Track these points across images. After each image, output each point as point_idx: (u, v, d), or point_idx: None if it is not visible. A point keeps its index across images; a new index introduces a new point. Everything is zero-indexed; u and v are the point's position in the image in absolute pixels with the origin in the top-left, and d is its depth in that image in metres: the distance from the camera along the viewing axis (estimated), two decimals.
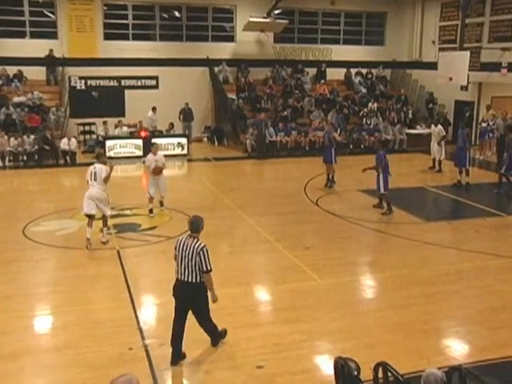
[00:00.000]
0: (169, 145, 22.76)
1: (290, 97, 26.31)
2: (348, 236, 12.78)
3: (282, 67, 27.93)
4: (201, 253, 7.03)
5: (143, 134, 22.61)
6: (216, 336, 7.65)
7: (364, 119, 25.65)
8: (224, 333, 7.74)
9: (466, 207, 15.99)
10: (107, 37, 25.66)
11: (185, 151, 23.06)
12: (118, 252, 11.42)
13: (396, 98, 27.65)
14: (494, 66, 23.85)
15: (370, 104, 26.61)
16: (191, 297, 7.14)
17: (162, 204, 14.69)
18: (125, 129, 23.55)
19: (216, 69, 26.86)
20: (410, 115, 26.45)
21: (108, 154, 21.83)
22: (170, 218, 14.01)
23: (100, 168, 11.94)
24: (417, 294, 9.49)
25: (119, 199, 15.25)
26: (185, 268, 7.07)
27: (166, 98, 25.78)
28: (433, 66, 25.54)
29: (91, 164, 12.46)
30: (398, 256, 11.44)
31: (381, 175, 14.50)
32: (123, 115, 25.11)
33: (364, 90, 28.03)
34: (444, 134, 20.56)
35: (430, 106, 26.48)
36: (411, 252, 11.71)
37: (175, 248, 7.24)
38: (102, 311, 8.73)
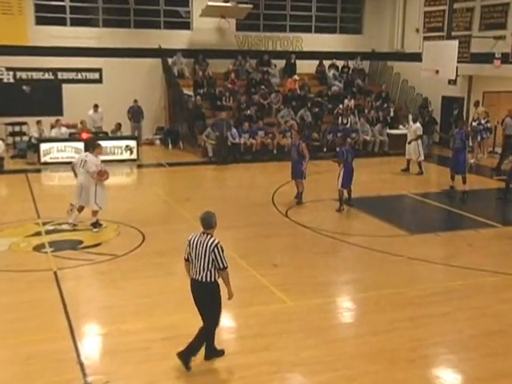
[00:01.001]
0: (115, 148, 22.55)
1: (256, 93, 26.38)
2: (322, 251, 12.79)
3: (245, 59, 28.01)
4: (215, 249, 7.60)
5: (85, 135, 22.33)
6: (210, 348, 7.98)
7: (339, 118, 25.82)
8: (222, 352, 8.11)
9: (456, 217, 16.18)
10: (40, 21, 25.33)
11: (134, 155, 22.86)
12: (55, 273, 11.20)
13: (376, 95, 27.94)
14: (486, 57, 24.26)
15: (346, 101, 26.82)
16: (203, 295, 7.73)
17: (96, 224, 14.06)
18: (63, 130, 23.25)
19: (170, 60, 26.80)
20: (392, 113, 26.75)
21: (43, 160, 21.55)
22: (117, 233, 13.85)
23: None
24: (401, 317, 9.52)
25: (56, 212, 15.00)
26: (198, 266, 7.68)
27: (112, 94, 25.61)
28: (417, 57, 25.91)
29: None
30: (380, 274, 11.48)
31: (341, 171, 16.00)
32: (61, 114, 24.83)
33: (339, 85, 28.27)
34: (420, 133, 20.98)
35: (426, 119, 25.56)
36: (394, 269, 11.77)
37: (188, 246, 7.81)
38: (37, 344, 8.53)
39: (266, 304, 9.84)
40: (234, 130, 23.62)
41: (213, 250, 7.59)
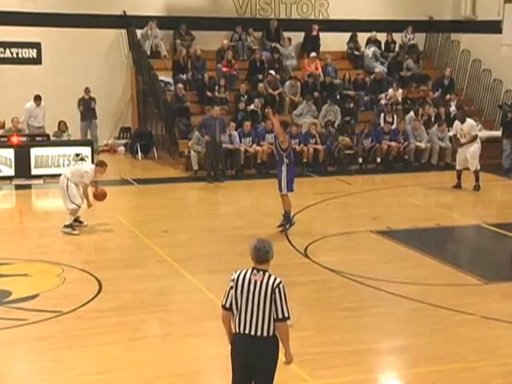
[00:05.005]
0: (61, 157, 22.51)
1: (262, 80, 26.44)
2: (356, 306, 12.72)
3: (246, 31, 28.09)
4: (276, 290, 7.60)
5: (16, 139, 22.36)
6: None
7: (382, 116, 25.82)
8: None
9: None
10: None
11: (80, 164, 22.77)
12: None
13: (435, 82, 27.96)
14: None
15: (390, 91, 26.86)
16: (260, 356, 7.70)
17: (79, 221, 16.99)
18: None
19: (139, 32, 26.92)
20: (453, 107, 26.56)
21: None
22: (61, 280, 13.79)
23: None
24: None
25: None
26: (251, 316, 7.65)
27: (55, 80, 25.76)
28: (494, 27, 25.98)
29: None
30: (441, 340, 11.36)
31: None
32: None
33: (382, 69, 28.28)
34: (476, 133, 21.34)
35: (510, 116, 25.04)
36: (462, 333, 11.66)
37: (234, 288, 7.75)
38: None
39: (278, 382, 9.75)
40: (233, 133, 23.60)
41: (273, 291, 7.58)
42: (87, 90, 25.35)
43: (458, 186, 21.52)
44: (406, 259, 15.50)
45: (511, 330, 11.87)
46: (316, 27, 28.44)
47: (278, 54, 27.65)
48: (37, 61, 26.29)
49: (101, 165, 17.04)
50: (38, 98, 24.08)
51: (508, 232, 17.58)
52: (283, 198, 16.65)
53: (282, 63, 27.55)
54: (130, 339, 11.10)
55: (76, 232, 16.53)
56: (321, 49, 28.38)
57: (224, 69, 26.57)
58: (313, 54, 27.80)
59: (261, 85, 26.10)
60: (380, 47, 29.31)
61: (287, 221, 16.71)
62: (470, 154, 21.19)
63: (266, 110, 18.41)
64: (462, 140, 21.36)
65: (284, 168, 16.50)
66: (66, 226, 16.53)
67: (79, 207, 16.68)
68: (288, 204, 16.66)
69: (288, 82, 26.73)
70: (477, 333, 11.69)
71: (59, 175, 21.27)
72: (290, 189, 16.55)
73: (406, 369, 10.58)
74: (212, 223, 18.44)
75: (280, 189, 16.59)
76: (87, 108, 25.43)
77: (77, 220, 16.90)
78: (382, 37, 29.37)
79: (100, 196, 16.95)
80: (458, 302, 12.88)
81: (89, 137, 25.01)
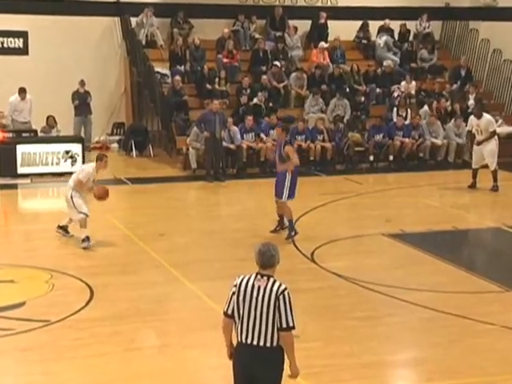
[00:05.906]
0: (49, 155, 22.53)
1: (265, 71, 26.45)
2: (367, 315, 12.70)
3: (249, 19, 28.11)
4: (281, 297, 7.59)
5: (0, 135, 22.35)
6: None
7: (394, 110, 25.81)
8: None
9: None
10: None
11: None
12: None
13: (451, 73, 27.92)
14: None
15: (403, 83, 26.85)
16: (264, 367, 7.66)
17: (66, 230, 16.62)
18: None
19: (134, 20, 26.95)
20: (471, 101, 26.56)
21: None
22: (50, 286, 13.79)
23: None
24: None
25: None
26: (254, 324, 7.65)
27: (42, 71, 25.81)
28: None
29: None
30: (459, 352, 11.33)
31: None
32: None
33: (394, 59, 28.28)
34: (494, 129, 21.28)
35: None
36: (482, 344, 11.63)
37: (236, 294, 7.74)
38: None
39: None
40: (233, 128, 23.60)
41: (277, 297, 7.57)
42: (82, 83, 25.36)
43: (473, 186, 21.47)
44: (421, 264, 15.48)
45: None
46: (324, 15, 28.44)
47: (282, 44, 27.71)
48: (23, 51, 26.32)
49: (100, 158, 16.68)
50: (22, 91, 24.09)
51: None
52: (281, 205, 16.60)
53: (287, 54, 27.57)
54: (124, 350, 11.10)
55: (90, 243, 16.06)
56: (329, 38, 28.34)
57: (225, 60, 26.59)
58: (322, 44, 27.80)
59: (264, 77, 26.13)
60: (393, 36, 29.29)
61: (291, 228, 16.63)
62: (487, 152, 21.12)
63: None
64: (479, 137, 21.30)
65: (288, 174, 16.38)
66: (83, 241, 16.00)
67: (87, 215, 16.19)
68: (288, 211, 16.57)
69: (294, 74, 26.72)
70: (497, 344, 11.65)
71: (47, 174, 21.60)
72: (291, 197, 16.45)
73: (421, 382, 10.60)
74: (212, 225, 18.44)
75: (280, 195, 16.46)
76: (82, 102, 25.45)
77: (63, 227, 16.60)
78: (395, 25, 29.37)
79: (101, 192, 16.27)
80: (477, 310, 12.85)
81: (82, 133, 25.03)
